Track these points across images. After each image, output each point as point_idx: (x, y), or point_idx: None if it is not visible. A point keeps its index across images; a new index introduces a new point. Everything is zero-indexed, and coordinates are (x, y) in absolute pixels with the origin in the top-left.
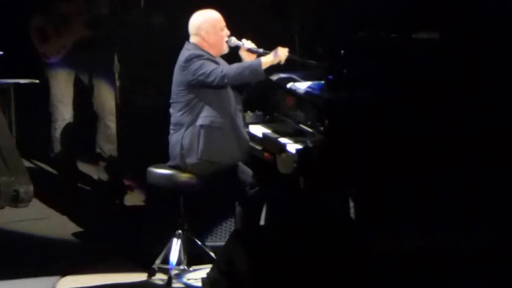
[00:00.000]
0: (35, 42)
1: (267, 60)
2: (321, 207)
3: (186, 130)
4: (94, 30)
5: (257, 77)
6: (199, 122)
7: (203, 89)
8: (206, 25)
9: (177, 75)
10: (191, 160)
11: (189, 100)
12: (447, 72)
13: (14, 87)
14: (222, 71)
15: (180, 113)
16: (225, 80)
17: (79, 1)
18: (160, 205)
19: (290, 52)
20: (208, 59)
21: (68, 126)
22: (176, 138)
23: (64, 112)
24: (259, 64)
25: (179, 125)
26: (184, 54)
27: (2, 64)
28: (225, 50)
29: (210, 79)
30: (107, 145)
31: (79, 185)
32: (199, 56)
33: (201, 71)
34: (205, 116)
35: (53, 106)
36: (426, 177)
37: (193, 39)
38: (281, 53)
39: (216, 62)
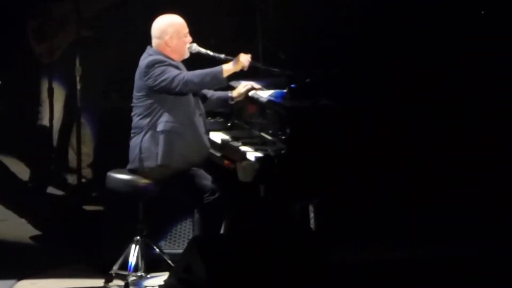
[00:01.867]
0: (31, 43)
1: (229, 67)
2: (281, 216)
3: (145, 134)
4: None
5: (219, 84)
6: (159, 127)
7: (163, 94)
8: (170, 30)
9: (138, 80)
10: (149, 164)
11: (149, 105)
12: (412, 80)
13: None
14: (184, 77)
15: (140, 117)
16: (187, 87)
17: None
18: (119, 210)
19: (252, 59)
20: (170, 64)
21: (46, 127)
22: (135, 141)
23: (44, 114)
24: (221, 71)
25: (139, 128)
26: (145, 59)
27: None
28: (186, 55)
29: (173, 85)
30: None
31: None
32: (161, 62)
33: (163, 77)
34: (165, 121)
35: (40, 106)
36: (387, 188)
37: (155, 42)
38: (243, 60)
39: (178, 68)
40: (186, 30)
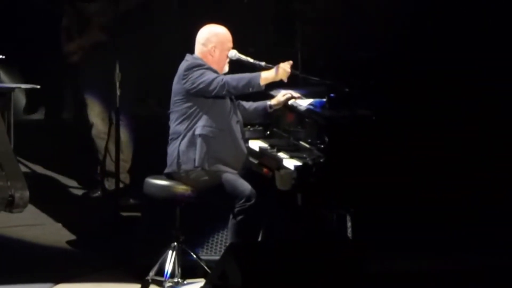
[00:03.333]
0: (62, 41)
1: (268, 75)
2: (318, 224)
3: (183, 139)
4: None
5: (255, 89)
6: (197, 131)
7: (201, 98)
8: (215, 39)
9: (176, 85)
10: (187, 167)
11: (187, 109)
12: (450, 93)
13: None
14: (222, 80)
15: (177, 122)
16: (225, 89)
17: (98, 4)
18: (156, 216)
19: (292, 68)
20: (209, 68)
21: (83, 133)
22: (173, 147)
23: (80, 118)
24: (258, 77)
25: (176, 134)
26: (184, 64)
27: (3, 67)
28: (225, 70)
29: (211, 87)
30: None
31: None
32: (200, 66)
33: (202, 79)
34: (203, 125)
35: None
36: (424, 198)
37: (199, 49)
38: (282, 71)
39: (216, 72)
40: (231, 44)
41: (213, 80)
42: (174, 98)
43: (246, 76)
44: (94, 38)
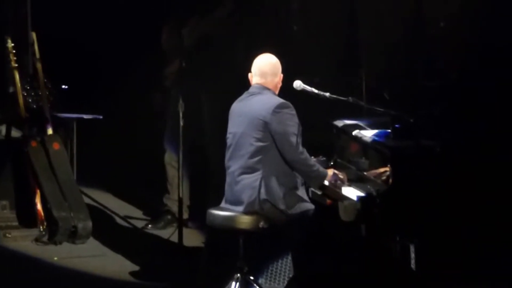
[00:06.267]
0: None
1: (329, 175)
2: (382, 255)
3: (262, 176)
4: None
5: (312, 185)
6: (276, 169)
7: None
8: (280, 70)
9: (260, 115)
10: (266, 206)
11: (267, 145)
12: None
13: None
14: (302, 153)
15: (256, 157)
16: (294, 161)
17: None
18: (219, 246)
19: (357, 98)
20: (296, 118)
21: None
22: (251, 182)
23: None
24: (325, 176)
25: (252, 169)
26: (270, 97)
27: (66, 98)
28: None
29: (290, 147)
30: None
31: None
32: (291, 109)
33: (290, 132)
34: (281, 166)
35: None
36: (489, 230)
37: (269, 81)
38: (330, 178)
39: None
40: None
41: (298, 143)
42: (252, 131)
43: (317, 167)
44: (177, 65)
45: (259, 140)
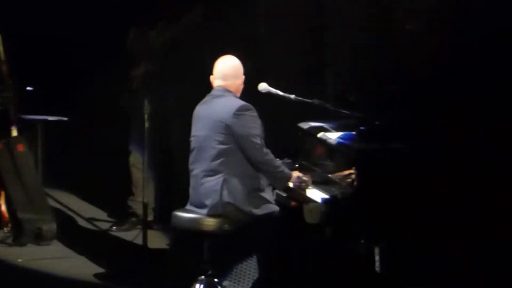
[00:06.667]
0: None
1: (293, 176)
2: (346, 257)
3: (224, 178)
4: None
5: (278, 183)
6: (239, 172)
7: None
8: (242, 72)
9: (222, 118)
10: (230, 208)
11: (229, 148)
12: (482, 122)
13: (42, 123)
14: (267, 154)
15: (218, 160)
16: (260, 163)
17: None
18: (184, 248)
19: (323, 100)
20: (258, 120)
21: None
22: (213, 185)
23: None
24: (290, 178)
25: (214, 172)
26: (231, 100)
27: (32, 99)
28: None
29: (255, 148)
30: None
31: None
32: (253, 110)
33: (253, 133)
34: (244, 167)
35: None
36: (455, 231)
37: (231, 83)
38: (294, 180)
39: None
40: None
41: (262, 144)
42: (213, 133)
43: (281, 168)
44: (145, 66)
45: (221, 143)
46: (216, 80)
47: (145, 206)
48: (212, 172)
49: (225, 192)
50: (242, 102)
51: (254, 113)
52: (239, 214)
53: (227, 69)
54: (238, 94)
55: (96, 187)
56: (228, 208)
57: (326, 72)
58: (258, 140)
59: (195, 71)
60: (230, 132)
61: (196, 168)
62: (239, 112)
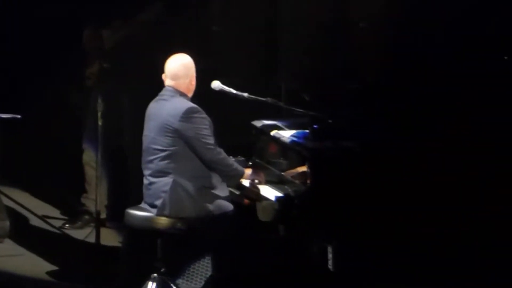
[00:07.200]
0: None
1: (247, 174)
2: (299, 256)
3: (173, 179)
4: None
5: (232, 181)
6: (188, 172)
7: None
8: (193, 70)
9: (168, 121)
10: (179, 209)
11: (177, 150)
12: (433, 121)
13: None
14: (220, 153)
15: (166, 161)
16: (213, 161)
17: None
18: (138, 246)
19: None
20: (207, 119)
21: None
22: (162, 186)
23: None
24: (242, 175)
25: (163, 172)
26: (178, 102)
27: None
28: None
29: (207, 148)
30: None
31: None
32: (199, 112)
33: (204, 134)
34: (193, 167)
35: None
36: (408, 230)
37: (179, 82)
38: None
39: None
40: None
41: (215, 144)
42: (162, 134)
43: (235, 165)
44: (96, 66)
45: (169, 145)
46: (166, 79)
47: (98, 204)
48: (161, 173)
49: (174, 193)
50: (188, 105)
51: (201, 114)
52: (190, 213)
53: (177, 68)
54: (189, 94)
55: (49, 185)
56: (177, 208)
57: (279, 70)
58: (210, 140)
59: (149, 69)
60: (177, 135)
61: (147, 169)
62: (185, 115)
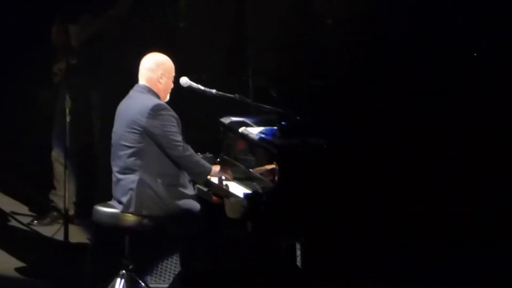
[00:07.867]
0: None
1: (215, 171)
2: (268, 253)
3: (140, 176)
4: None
5: (199, 178)
6: (155, 169)
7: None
8: (163, 67)
9: (136, 118)
10: (144, 206)
11: (144, 147)
12: (402, 118)
13: None
14: (187, 150)
15: (133, 158)
16: (180, 158)
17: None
18: (104, 243)
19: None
20: (174, 117)
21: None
22: (128, 183)
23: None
24: (210, 171)
25: (130, 170)
26: (146, 99)
27: None
28: (167, 99)
29: (174, 146)
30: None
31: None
32: (167, 109)
33: (171, 131)
34: (161, 164)
35: None
36: (376, 227)
37: (147, 76)
38: (215, 173)
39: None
40: (174, 74)
41: (182, 142)
42: (129, 130)
43: (202, 162)
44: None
45: (136, 141)
46: (139, 76)
47: (66, 201)
48: (127, 170)
49: (140, 190)
50: (155, 102)
51: (169, 112)
52: (156, 210)
53: (147, 65)
54: (161, 93)
55: (17, 181)
56: (143, 205)
57: (247, 66)
58: (177, 137)
59: (117, 66)
60: (145, 132)
61: (114, 165)
62: (152, 112)
